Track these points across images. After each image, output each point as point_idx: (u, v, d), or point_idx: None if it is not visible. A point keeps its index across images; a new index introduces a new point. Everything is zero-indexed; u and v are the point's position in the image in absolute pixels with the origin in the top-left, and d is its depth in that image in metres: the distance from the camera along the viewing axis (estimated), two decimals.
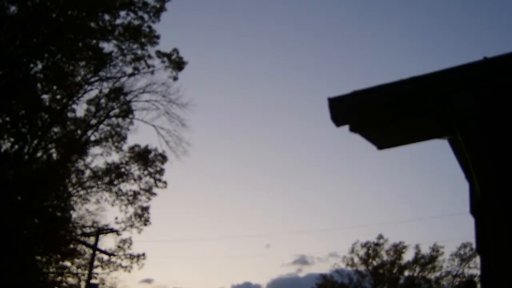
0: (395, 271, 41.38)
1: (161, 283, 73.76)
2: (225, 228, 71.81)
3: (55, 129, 21.39)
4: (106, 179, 23.56)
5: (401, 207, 67.48)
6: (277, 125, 70.12)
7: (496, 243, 2.97)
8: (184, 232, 68.82)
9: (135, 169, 24.12)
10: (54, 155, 21.57)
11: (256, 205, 71.81)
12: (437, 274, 40.62)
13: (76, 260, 23.42)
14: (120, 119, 23.40)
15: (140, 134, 34.99)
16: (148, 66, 22.37)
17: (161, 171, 24.36)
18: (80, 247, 23.96)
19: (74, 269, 23.44)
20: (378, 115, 3.09)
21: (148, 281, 55.56)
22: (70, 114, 22.38)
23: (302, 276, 42.65)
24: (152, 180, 24.22)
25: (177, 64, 22.89)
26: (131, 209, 23.92)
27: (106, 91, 22.77)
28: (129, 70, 22.30)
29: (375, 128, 3.23)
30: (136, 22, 21.05)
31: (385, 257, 42.00)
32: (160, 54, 22.51)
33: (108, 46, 21.61)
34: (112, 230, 24.24)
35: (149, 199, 24.26)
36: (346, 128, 3.17)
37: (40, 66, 19.41)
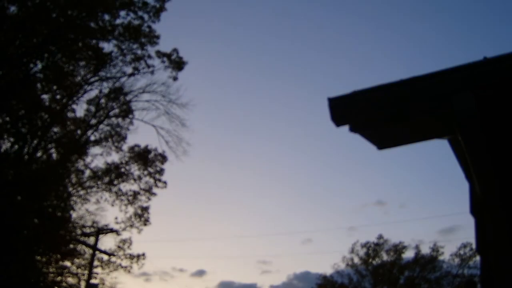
0: (395, 271, 41.39)
1: (213, 277, 73.37)
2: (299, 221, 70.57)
3: (55, 129, 21.41)
4: (106, 179, 23.57)
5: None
6: (277, 124, 69.98)
7: (496, 243, 2.97)
8: (247, 228, 68.90)
9: (135, 169, 24.16)
10: (54, 155, 21.58)
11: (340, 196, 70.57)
12: (437, 274, 40.64)
13: (76, 260, 23.43)
14: (120, 119, 23.43)
15: (140, 134, 35.07)
16: (148, 66, 22.41)
17: (161, 171, 24.39)
18: (80, 247, 23.97)
19: (74, 269, 23.46)
20: (378, 115, 3.09)
21: (201, 272, 57.09)
22: (70, 114, 22.42)
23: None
24: (152, 180, 24.25)
25: (177, 64, 22.91)
26: (131, 209, 23.97)
27: (106, 91, 22.83)
28: (129, 70, 22.35)
29: (375, 128, 3.23)
30: (136, 22, 21.07)
31: (385, 257, 42.06)
32: (160, 54, 22.54)
33: (108, 46, 21.72)
34: (112, 230, 24.25)
35: (149, 199, 24.31)
36: (346, 128, 3.17)
37: (40, 66, 19.42)
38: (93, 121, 22.84)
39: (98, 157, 23.80)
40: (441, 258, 40.67)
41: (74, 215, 22.94)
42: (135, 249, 24.72)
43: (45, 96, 20.49)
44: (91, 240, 24.42)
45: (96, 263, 24.20)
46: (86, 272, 23.58)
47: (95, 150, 23.78)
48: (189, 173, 64.57)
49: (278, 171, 72.21)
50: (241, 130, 69.44)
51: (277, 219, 68.31)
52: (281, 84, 71.44)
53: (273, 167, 71.17)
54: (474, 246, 11.38)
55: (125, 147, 23.89)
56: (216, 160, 65.94)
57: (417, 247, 41.57)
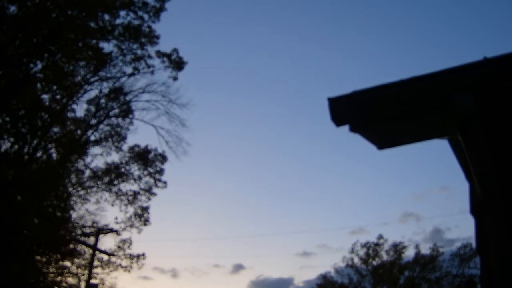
0: (395, 271, 41.40)
1: (251, 272, 72.30)
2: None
3: (55, 129, 21.41)
4: (106, 179, 23.58)
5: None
6: (277, 125, 69.94)
7: (496, 243, 2.98)
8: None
9: (135, 169, 24.17)
10: (54, 155, 21.59)
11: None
12: (437, 274, 40.65)
13: (76, 260, 23.46)
14: (120, 119, 23.44)
15: (140, 134, 34.97)
16: (148, 66, 22.41)
17: (161, 171, 24.39)
18: (80, 247, 23.99)
19: (74, 269, 23.49)
20: (378, 115, 3.09)
21: (239, 267, 58.96)
22: (70, 114, 22.42)
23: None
24: (152, 180, 24.26)
25: (177, 64, 22.91)
26: (131, 209, 23.97)
27: (106, 91, 22.83)
28: (129, 70, 22.35)
29: (375, 128, 3.23)
30: (136, 22, 21.08)
31: (385, 257, 42.08)
32: (160, 54, 22.54)
33: (108, 46, 21.66)
34: (112, 230, 24.27)
35: (149, 199, 24.32)
36: (346, 128, 3.17)
37: (40, 66, 19.43)
38: (93, 121, 22.87)
39: (98, 157, 23.82)
40: (441, 258, 40.71)
41: (74, 215, 22.98)
42: (166, 247, 24.79)
43: (45, 96, 20.52)
44: (91, 240, 24.44)
45: (96, 263, 24.23)
46: (86, 272, 23.60)
47: (95, 150, 23.81)
48: (209, 171, 64.51)
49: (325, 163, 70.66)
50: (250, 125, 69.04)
51: (325, 211, 67.45)
52: (282, 82, 71.41)
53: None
54: (474, 246, 11.37)
55: (125, 147, 23.92)
56: (233, 156, 65.84)
57: (417, 247, 41.66)
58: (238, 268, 59.81)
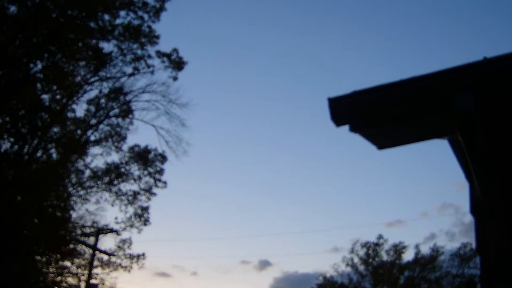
0: (395, 271, 41.40)
1: (279, 268, 71.88)
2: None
3: (55, 129, 21.41)
4: (106, 179, 23.58)
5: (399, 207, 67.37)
6: (277, 125, 69.92)
7: (496, 243, 2.98)
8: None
9: (135, 169, 24.17)
10: (54, 155, 21.58)
11: None
12: (437, 274, 40.67)
13: (76, 260, 23.47)
14: (120, 119, 23.43)
15: (140, 134, 35.04)
16: (148, 66, 22.39)
17: (161, 171, 24.40)
18: (80, 247, 24.00)
19: (74, 269, 23.50)
20: (378, 115, 3.09)
21: (266, 263, 59.43)
22: (70, 114, 22.41)
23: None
24: (152, 180, 24.27)
25: (177, 64, 22.90)
26: (131, 209, 23.97)
27: (106, 91, 22.80)
28: (129, 70, 22.32)
29: (375, 128, 3.23)
30: (136, 22, 21.07)
31: (385, 257, 42.09)
32: (160, 54, 22.52)
33: (108, 46, 21.66)
34: (112, 230, 24.27)
35: (149, 199, 24.33)
36: (346, 128, 3.17)
37: (40, 66, 19.43)
38: (93, 121, 22.86)
39: (98, 157, 23.83)
40: (441, 258, 40.74)
41: (74, 215, 22.99)
42: (189, 245, 24.88)
43: (45, 96, 20.52)
44: (91, 240, 24.44)
45: (96, 263, 24.24)
46: (86, 272, 23.61)
47: (95, 150, 23.82)
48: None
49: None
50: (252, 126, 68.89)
51: (361, 205, 67.09)
52: (282, 83, 71.41)
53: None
54: (474, 246, 11.38)
55: (125, 147, 23.92)
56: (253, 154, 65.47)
57: (417, 247, 41.67)
58: (264, 264, 60.01)
